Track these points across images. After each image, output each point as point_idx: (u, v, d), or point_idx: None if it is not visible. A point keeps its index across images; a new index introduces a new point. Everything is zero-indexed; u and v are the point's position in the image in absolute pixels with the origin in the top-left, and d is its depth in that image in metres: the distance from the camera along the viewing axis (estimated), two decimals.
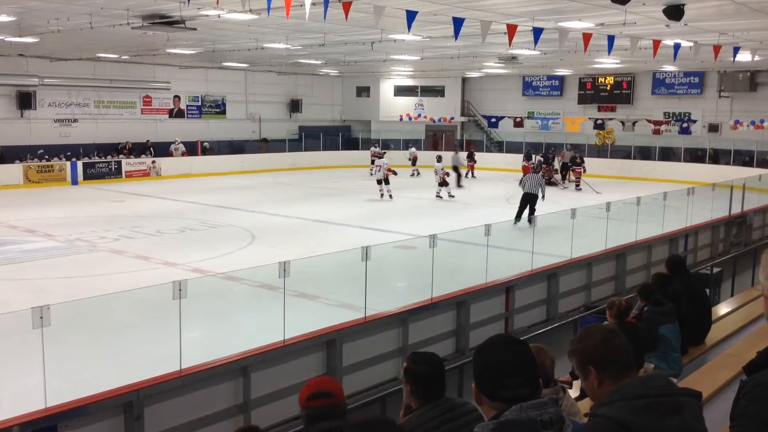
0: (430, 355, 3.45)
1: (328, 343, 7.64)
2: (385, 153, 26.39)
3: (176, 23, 14.99)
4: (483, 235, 9.87)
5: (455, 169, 26.52)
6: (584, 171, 25.52)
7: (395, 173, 22.36)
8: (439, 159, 23.06)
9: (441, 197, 21.96)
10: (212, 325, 8.87)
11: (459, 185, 25.58)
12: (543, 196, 17.39)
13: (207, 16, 14.26)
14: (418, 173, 29.57)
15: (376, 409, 6.74)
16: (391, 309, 8.56)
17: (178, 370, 6.33)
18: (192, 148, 30.12)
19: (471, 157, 29.66)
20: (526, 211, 16.77)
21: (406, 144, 35.09)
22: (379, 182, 21.72)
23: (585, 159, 26.25)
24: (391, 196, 21.43)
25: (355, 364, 7.85)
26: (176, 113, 30.78)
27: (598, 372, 2.47)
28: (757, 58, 19.43)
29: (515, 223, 16.32)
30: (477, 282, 9.70)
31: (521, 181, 18.48)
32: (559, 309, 10.84)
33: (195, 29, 15.82)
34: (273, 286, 7.78)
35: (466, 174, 28.71)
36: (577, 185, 25.13)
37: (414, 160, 30.30)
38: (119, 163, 26.83)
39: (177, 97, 30.65)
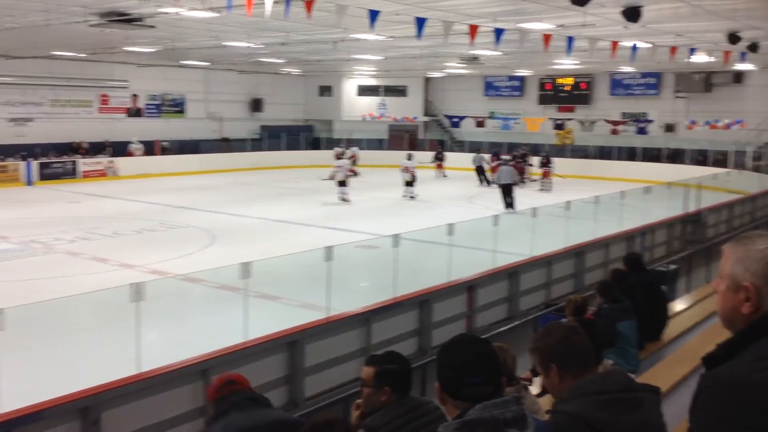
0: (393, 353, 3.43)
1: (290, 344, 7.58)
2: (344, 153, 25.74)
3: (134, 21, 14.74)
4: (446, 234, 9.91)
5: (479, 170, 26.75)
6: (552, 171, 25.81)
7: (357, 174, 22.16)
8: (410, 157, 22.94)
9: (407, 196, 21.94)
10: (172, 328, 8.74)
11: (487, 183, 25.99)
12: (516, 183, 20.53)
13: (166, 13, 14.05)
14: (356, 173, 29.11)
15: (339, 409, 6.71)
16: (354, 309, 8.54)
17: (137, 374, 6.22)
18: (150, 148, 29.66)
19: (439, 157, 29.89)
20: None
21: (368, 143, 35.15)
22: (340, 184, 21.36)
23: (550, 159, 26.48)
24: (346, 199, 21.09)
25: (317, 365, 7.81)
26: (134, 112, 30.27)
27: (559, 369, 2.50)
28: (712, 59, 19.89)
29: (506, 210, 19.41)
30: (440, 281, 9.73)
31: (496, 177, 20.89)
32: (520, 307, 10.93)
33: (154, 27, 15.58)
34: (234, 287, 7.70)
35: (443, 174, 28.98)
36: (546, 185, 25.38)
37: (354, 160, 29.56)
38: (75, 163, 26.29)
39: (135, 96, 30.16)
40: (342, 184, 21.22)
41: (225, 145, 32.51)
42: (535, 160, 27.45)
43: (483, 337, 2.37)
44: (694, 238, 16.45)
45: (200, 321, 9.29)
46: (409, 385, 3.23)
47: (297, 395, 7.55)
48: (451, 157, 30.76)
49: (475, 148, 30.61)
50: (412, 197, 21.83)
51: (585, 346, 2.55)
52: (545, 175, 25.56)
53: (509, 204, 20.04)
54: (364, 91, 36.00)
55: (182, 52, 23.36)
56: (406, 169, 22.15)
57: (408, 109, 36.04)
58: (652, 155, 29.89)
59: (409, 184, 22.03)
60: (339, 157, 26.50)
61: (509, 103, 34.68)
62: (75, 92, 27.89)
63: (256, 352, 7.21)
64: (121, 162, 27.59)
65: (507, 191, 20.24)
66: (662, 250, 15.32)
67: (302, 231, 16.37)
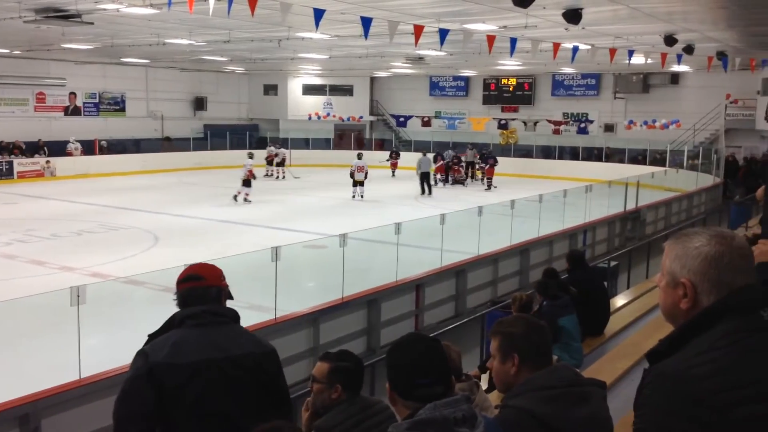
0: (347, 352, 3.42)
1: None
2: (253, 154, 23.61)
3: (72, 17, 14.31)
4: (393, 233, 9.93)
5: (446, 167, 27.00)
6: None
7: (254, 177, 21.68)
8: (360, 156, 22.63)
9: (356, 196, 21.67)
10: (114, 332, 8.54)
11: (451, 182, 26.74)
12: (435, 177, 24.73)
13: (105, 10, 13.69)
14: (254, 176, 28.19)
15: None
16: (301, 309, 8.49)
17: (78, 380, 6.06)
18: (89, 147, 28.85)
19: (394, 156, 29.76)
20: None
21: (313, 143, 34.98)
22: (244, 183, 20.88)
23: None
24: (247, 199, 20.67)
25: None
26: (72, 111, 29.41)
27: (521, 360, 2.49)
28: (649, 60, 20.46)
29: (422, 194, 23.11)
30: (387, 280, 9.76)
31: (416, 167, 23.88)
32: (467, 305, 11.06)
33: (92, 23, 15.18)
34: None
35: (393, 173, 28.79)
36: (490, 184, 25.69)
37: (277, 161, 28.22)
38: (11, 164, 25.39)
39: (73, 94, 29.28)
40: (245, 184, 20.86)
41: (167, 144, 31.86)
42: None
43: (432, 335, 2.36)
44: (633, 235, 16.92)
45: (143, 325, 9.02)
46: (361, 385, 3.23)
47: None
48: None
49: (462, 148, 30.57)
50: (361, 196, 21.71)
51: (548, 344, 2.59)
52: (489, 173, 25.76)
53: (425, 191, 23.25)
54: (309, 90, 35.80)
55: (122, 50, 22.79)
56: (360, 169, 21.83)
57: (354, 109, 36.01)
58: (592, 154, 30.58)
59: (360, 183, 21.81)
60: (273, 156, 26.63)
61: (454, 102, 35.02)
62: (9, 90, 26.88)
63: None
64: (58, 162, 26.76)
65: (424, 179, 23.43)
66: (603, 247, 15.71)
67: (248, 231, 16.18)
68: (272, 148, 29.21)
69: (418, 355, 2.17)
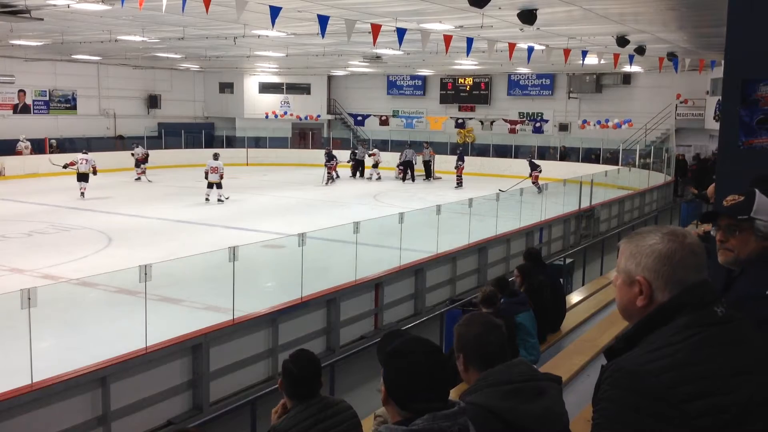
0: (307, 356, 3.43)
1: (194, 347, 7.40)
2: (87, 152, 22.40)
3: (21, 13, 13.95)
4: (352, 232, 9.92)
5: (408, 164, 26.91)
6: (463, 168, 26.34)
7: (95, 173, 21.29)
8: (216, 157, 21.03)
9: (209, 198, 20.65)
10: (67, 336, 8.35)
11: (412, 179, 26.95)
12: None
13: (55, 6, 13.37)
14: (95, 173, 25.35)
15: (246, 413, 6.59)
16: (260, 310, 8.43)
17: (29, 384, 5.91)
18: (39, 146, 28.12)
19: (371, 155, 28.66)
20: None
21: (270, 142, 34.69)
22: (79, 179, 20.74)
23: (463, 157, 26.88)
24: (82, 194, 20.56)
25: (223, 368, 7.66)
26: (21, 108, 28.65)
27: (465, 360, 2.58)
28: (602, 61, 20.84)
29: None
30: (347, 279, 9.75)
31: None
32: (426, 303, 11.11)
33: (42, 19, 14.80)
34: (133, 290, 7.43)
35: (370, 175, 27.95)
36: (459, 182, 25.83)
37: (139, 161, 27.04)
38: None
39: (22, 92, 28.53)
40: (80, 178, 20.86)
41: (120, 143, 31.25)
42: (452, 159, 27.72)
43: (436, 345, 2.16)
44: (587, 232, 17.20)
45: (97, 327, 8.91)
46: (306, 389, 3.26)
47: (201, 400, 7.38)
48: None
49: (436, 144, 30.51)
50: (220, 200, 20.45)
51: (497, 346, 2.61)
52: (459, 171, 25.94)
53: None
54: (266, 88, 35.52)
55: (72, 46, 22.29)
56: (213, 170, 20.39)
57: (311, 107, 35.86)
58: (547, 153, 31.00)
59: (217, 185, 20.49)
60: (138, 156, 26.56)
61: (412, 102, 35.14)
62: None
63: (157, 357, 6.99)
64: (8, 161, 26.04)
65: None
66: (559, 245, 15.94)
67: (205, 231, 15.98)
68: (140, 149, 27.50)
69: (423, 368, 2.01)
